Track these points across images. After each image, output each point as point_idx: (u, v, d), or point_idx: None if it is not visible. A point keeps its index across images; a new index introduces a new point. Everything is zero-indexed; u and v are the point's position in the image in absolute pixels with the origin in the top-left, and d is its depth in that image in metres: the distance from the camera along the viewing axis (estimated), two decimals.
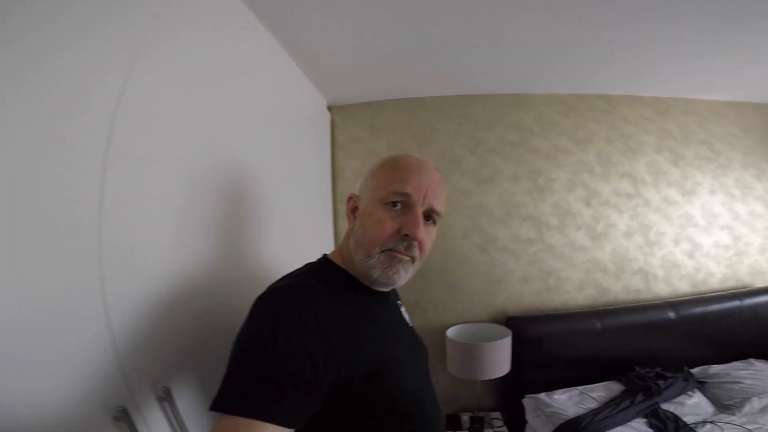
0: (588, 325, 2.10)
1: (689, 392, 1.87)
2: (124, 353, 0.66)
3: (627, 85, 2.24)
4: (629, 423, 1.70)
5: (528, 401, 1.94)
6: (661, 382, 1.89)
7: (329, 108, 2.19)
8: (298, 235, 1.47)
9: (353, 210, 0.83)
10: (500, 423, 2.00)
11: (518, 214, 2.30)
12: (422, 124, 2.25)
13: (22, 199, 0.51)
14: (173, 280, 0.80)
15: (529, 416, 1.89)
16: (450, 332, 2.02)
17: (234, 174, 1.05)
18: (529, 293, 2.28)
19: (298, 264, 0.82)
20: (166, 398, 0.73)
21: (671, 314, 2.16)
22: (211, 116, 0.97)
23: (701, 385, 1.92)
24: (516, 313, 2.22)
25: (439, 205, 0.77)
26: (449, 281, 2.24)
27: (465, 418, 2.01)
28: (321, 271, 0.78)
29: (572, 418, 1.72)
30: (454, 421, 2.00)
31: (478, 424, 1.88)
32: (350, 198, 0.85)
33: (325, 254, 0.84)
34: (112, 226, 0.64)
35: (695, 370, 2.04)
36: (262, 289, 0.70)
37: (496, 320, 2.21)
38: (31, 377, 0.52)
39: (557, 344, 2.05)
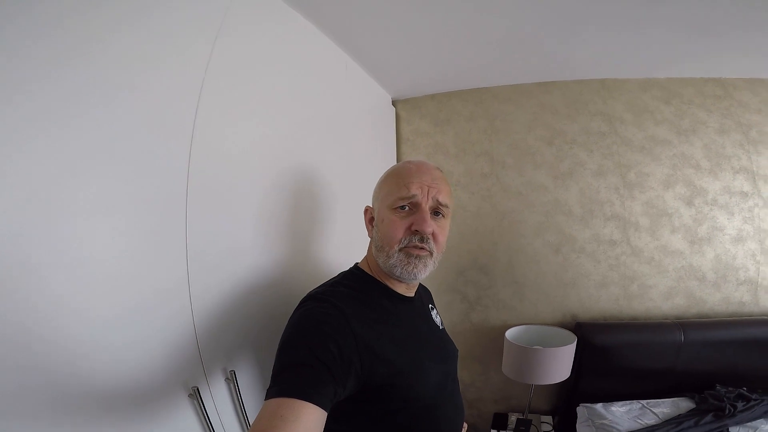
0: (668, 337, 2.26)
1: None
2: (203, 342, 0.97)
3: (747, 67, 2.17)
4: None
5: (582, 410, 2.25)
6: (740, 404, 2.04)
7: (394, 102, 2.53)
8: (360, 232, 1.82)
9: (371, 221, 1.08)
10: (549, 427, 2.36)
11: (601, 213, 2.46)
12: (491, 115, 2.49)
13: (127, 211, 0.81)
14: (248, 275, 1.13)
15: (579, 425, 2.21)
16: (509, 333, 2.36)
17: (304, 177, 1.40)
18: (606, 299, 2.48)
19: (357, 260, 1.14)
20: (232, 380, 1.05)
21: None
22: (282, 124, 1.32)
23: None
24: (587, 319, 2.48)
25: (444, 198, 1.01)
26: (516, 280, 2.55)
27: (513, 418, 2.41)
28: (351, 278, 1.04)
29: None
30: (501, 420, 2.40)
31: (524, 426, 2.25)
32: (366, 210, 1.10)
33: (356, 263, 1.11)
34: (196, 230, 0.95)
35: None
36: (321, 282, 1.02)
37: (563, 324, 2.49)
38: (134, 357, 0.81)
39: (627, 355, 2.28)
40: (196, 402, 0.94)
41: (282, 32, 1.39)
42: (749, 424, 1.99)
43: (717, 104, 2.33)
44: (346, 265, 1.13)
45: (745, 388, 2.16)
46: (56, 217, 0.68)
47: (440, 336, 1.15)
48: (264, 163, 1.22)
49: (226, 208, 1.07)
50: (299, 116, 1.43)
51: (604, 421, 2.11)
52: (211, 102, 1.02)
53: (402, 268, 0.97)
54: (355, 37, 1.78)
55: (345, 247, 1.66)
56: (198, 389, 0.94)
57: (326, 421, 0.74)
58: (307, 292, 0.98)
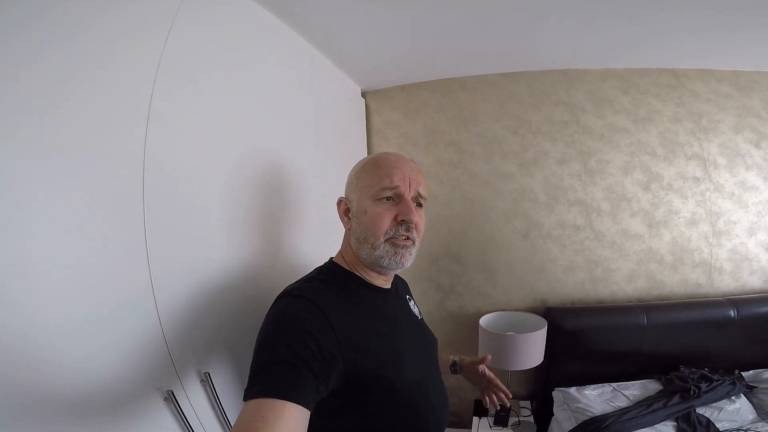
0: (632, 320, 2.23)
1: (733, 397, 2.00)
2: (173, 344, 0.91)
3: (699, 58, 2.21)
4: (656, 425, 1.88)
5: (557, 394, 2.18)
6: (703, 385, 2.02)
7: (363, 94, 2.42)
8: (334, 225, 1.73)
9: (346, 212, 1.02)
10: (528, 412, 2.28)
11: (565, 199, 2.42)
12: (460, 105, 2.42)
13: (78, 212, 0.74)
14: (217, 274, 1.06)
15: (556, 409, 2.14)
16: (483, 320, 2.27)
17: (272, 171, 1.32)
18: (573, 283, 2.44)
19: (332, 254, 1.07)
20: (207, 381, 0.99)
21: (732, 312, 2.22)
22: (245, 118, 1.23)
23: (749, 390, 2.03)
24: (556, 304, 2.42)
25: (423, 190, 0.99)
26: (488, 267, 2.47)
27: None
28: (327, 273, 0.98)
29: (597, 416, 1.93)
30: (482, 406, 2.29)
31: (504, 412, 2.16)
32: (340, 201, 1.04)
33: (331, 258, 1.05)
34: (155, 232, 0.88)
35: (748, 374, 2.14)
36: (295, 278, 0.95)
37: (534, 310, 2.42)
38: (102, 366, 0.76)
39: (596, 338, 2.23)
40: (172, 405, 0.90)
41: (242, 24, 1.30)
42: (714, 404, 1.97)
43: (671, 94, 2.35)
44: (321, 259, 1.06)
45: (706, 369, 2.14)
46: (7, 224, 0.62)
47: (419, 326, 1.11)
48: (226, 157, 1.13)
49: (187, 206, 0.99)
50: (264, 109, 1.34)
51: (578, 405, 2.05)
52: (165, 95, 0.93)
53: (390, 259, 0.93)
54: (321, 29, 1.68)
55: (318, 240, 1.56)
56: (173, 392, 0.89)
57: (315, 418, 0.72)
58: (280, 288, 0.92)
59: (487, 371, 1.26)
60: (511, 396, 1.26)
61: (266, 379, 0.69)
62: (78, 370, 0.72)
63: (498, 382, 1.25)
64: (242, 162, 1.19)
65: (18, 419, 0.63)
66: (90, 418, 0.73)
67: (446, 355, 1.31)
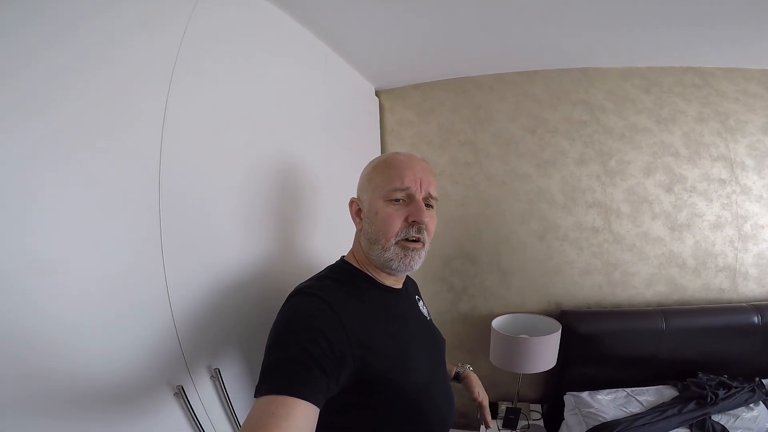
0: (650, 325, 2.18)
1: (751, 404, 1.95)
2: (185, 341, 0.93)
3: (725, 56, 2.12)
4: None
5: (569, 398, 2.15)
6: (721, 392, 1.97)
7: (377, 93, 2.42)
8: (346, 224, 1.74)
9: (358, 212, 1.03)
10: (538, 416, 2.26)
11: (583, 200, 2.37)
12: (475, 104, 2.39)
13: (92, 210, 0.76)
14: (230, 272, 1.08)
15: (566, 413, 2.11)
16: (496, 323, 2.25)
17: (286, 170, 1.34)
18: (589, 286, 2.39)
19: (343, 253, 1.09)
20: (217, 377, 1.02)
21: (756, 318, 2.15)
22: (260, 116, 1.25)
23: None
24: (572, 307, 2.38)
25: (434, 190, 0.99)
26: (501, 269, 2.44)
27: (503, 407, 2.30)
28: (339, 272, 1.00)
29: (608, 421, 1.90)
30: (491, 409, 2.25)
31: (513, 415, 2.15)
32: (352, 202, 1.05)
33: (342, 256, 1.07)
34: (171, 230, 0.90)
35: None
36: (307, 277, 0.97)
37: (548, 312, 2.38)
38: (116, 362, 0.79)
39: (612, 343, 2.18)
40: (182, 400, 0.92)
41: (256, 24, 1.31)
42: (731, 412, 1.92)
43: (696, 93, 2.27)
44: (333, 258, 1.07)
45: (726, 376, 2.09)
46: (22, 222, 0.64)
47: (429, 327, 1.12)
48: (240, 157, 1.16)
49: (201, 205, 1.01)
50: (278, 109, 1.35)
51: (590, 410, 2.02)
52: (181, 94, 0.95)
53: (399, 261, 0.94)
54: (335, 29, 1.68)
55: (330, 239, 1.57)
56: (183, 388, 0.92)
57: (324, 414, 0.72)
58: (292, 286, 0.93)
59: (481, 400, 1.29)
60: (491, 427, 1.32)
61: (277, 377, 0.71)
62: (93, 366, 0.74)
63: (486, 412, 1.28)
64: (256, 161, 1.21)
65: (36, 413, 0.65)
66: (102, 411, 0.76)
67: (451, 365, 1.32)
